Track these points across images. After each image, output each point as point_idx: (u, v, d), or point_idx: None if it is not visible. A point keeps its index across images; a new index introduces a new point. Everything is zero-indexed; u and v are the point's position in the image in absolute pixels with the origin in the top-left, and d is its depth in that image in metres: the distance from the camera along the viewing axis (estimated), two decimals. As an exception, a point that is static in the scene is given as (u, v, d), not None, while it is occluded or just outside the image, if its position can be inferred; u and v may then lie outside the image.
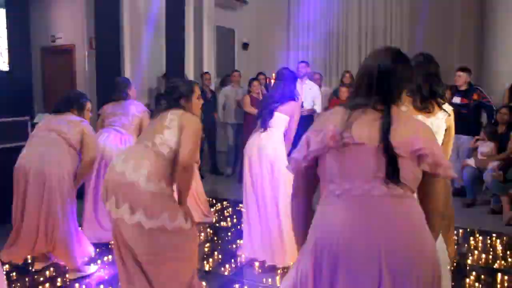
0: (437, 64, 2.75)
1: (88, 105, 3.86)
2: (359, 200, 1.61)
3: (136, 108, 4.66)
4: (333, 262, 1.59)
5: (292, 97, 3.96)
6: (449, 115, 2.70)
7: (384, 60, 1.69)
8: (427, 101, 2.62)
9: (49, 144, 3.53)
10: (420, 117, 2.55)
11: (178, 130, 2.73)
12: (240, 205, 5.13)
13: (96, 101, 7.03)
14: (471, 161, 5.93)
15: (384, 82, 1.68)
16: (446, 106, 2.71)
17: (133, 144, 2.86)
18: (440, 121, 2.65)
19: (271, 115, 3.88)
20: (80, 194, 4.06)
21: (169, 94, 2.98)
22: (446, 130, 2.72)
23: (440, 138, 2.66)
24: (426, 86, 2.62)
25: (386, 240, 1.56)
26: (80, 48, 7.29)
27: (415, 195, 1.71)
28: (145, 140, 2.78)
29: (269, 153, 3.81)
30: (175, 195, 2.78)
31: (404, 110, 1.84)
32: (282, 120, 3.88)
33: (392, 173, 1.59)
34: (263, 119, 3.92)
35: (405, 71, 1.72)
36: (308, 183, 1.83)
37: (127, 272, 2.69)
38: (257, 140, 3.91)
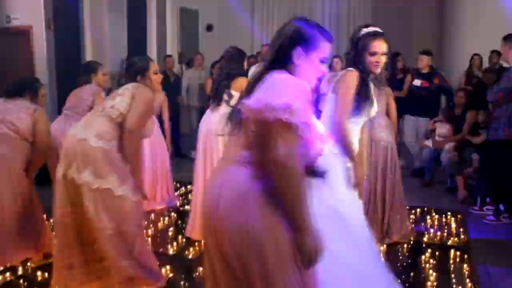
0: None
1: (43, 91, 3.78)
2: (218, 164, 1.73)
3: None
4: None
5: (241, 73, 3.97)
6: None
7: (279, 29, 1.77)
8: None
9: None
10: None
11: (130, 97, 2.83)
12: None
13: (56, 85, 6.86)
14: (428, 142, 6.13)
15: (277, 49, 1.74)
16: None
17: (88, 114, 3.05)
18: None
19: (223, 92, 3.89)
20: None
21: (126, 72, 3.13)
22: None
23: None
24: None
25: (217, 210, 1.57)
26: (38, 29, 7.02)
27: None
28: (97, 106, 3.01)
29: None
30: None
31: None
32: (233, 96, 3.87)
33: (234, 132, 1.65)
34: (217, 97, 3.93)
35: (283, 35, 1.77)
36: None
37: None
38: (212, 117, 3.95)
